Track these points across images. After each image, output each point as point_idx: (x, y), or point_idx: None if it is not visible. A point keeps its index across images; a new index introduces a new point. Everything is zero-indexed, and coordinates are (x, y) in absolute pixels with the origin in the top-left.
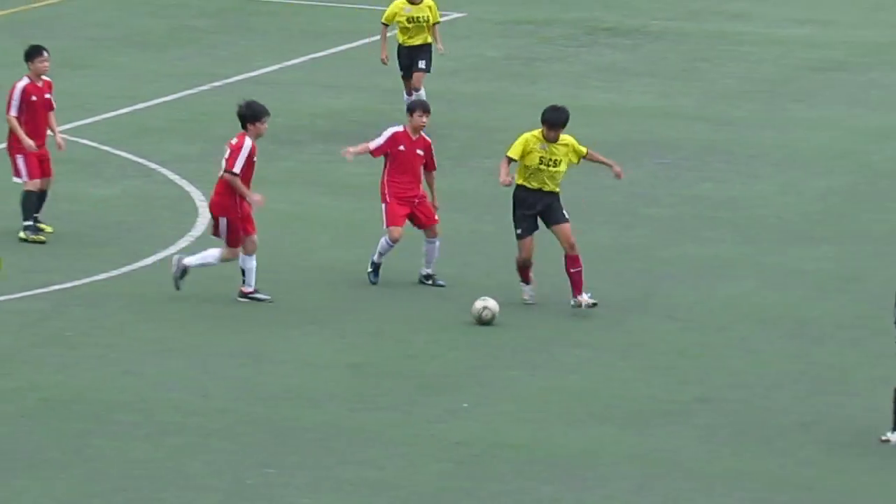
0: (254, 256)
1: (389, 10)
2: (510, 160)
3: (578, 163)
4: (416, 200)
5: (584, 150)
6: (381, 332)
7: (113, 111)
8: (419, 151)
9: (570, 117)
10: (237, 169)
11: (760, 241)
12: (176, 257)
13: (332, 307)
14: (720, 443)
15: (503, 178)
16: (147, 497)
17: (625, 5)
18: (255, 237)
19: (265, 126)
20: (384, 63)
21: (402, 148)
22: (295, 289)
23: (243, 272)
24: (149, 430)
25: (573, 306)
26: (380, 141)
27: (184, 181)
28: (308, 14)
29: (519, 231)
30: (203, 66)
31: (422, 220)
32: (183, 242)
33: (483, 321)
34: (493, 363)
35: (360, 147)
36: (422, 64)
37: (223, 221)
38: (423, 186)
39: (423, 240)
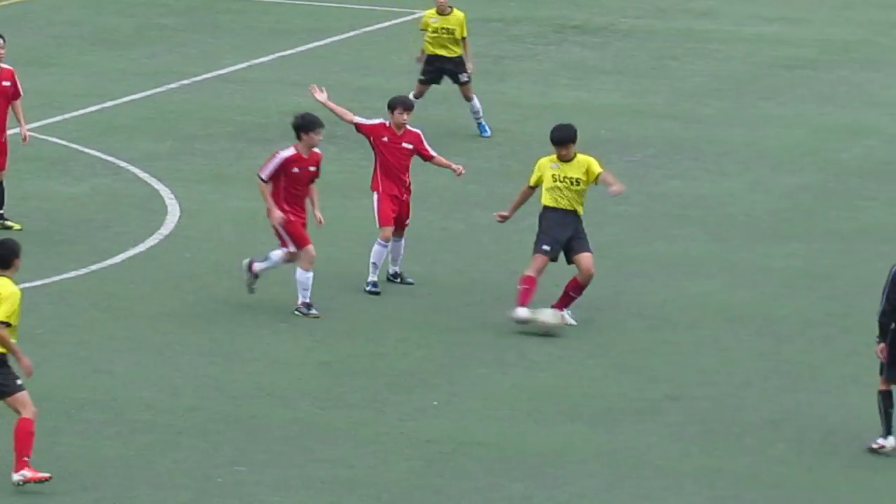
0: (279, 263)
1: (423, 19)
2: (530, 188)
3: (597, 183)
4: (403, 198)
5: (596, 171)
6: (351, 330)
7: (81, 109)
8: (406, 145)
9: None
10: (264, 174)
11: (729, 239)
12: (294, 304)
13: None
14: (690, 441)
15: (499, 212)
16: (117, 495)
17: (593, 3)
18: (291, 250)
19: (318, 137)
20: (417, 61)
21: (385, 139)
22: (265, 287)
23: (266, 260)
24: (119, 428)
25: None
26: (366, 120)
27: (153, 179)
28: (276, 12)
29: (546, 248)
30: (171, 64)
31: (399, 219)
32: (152, 241)
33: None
34: (463, 361)
35: (345, 111)
36: (463, 77)
37: (278, 229)
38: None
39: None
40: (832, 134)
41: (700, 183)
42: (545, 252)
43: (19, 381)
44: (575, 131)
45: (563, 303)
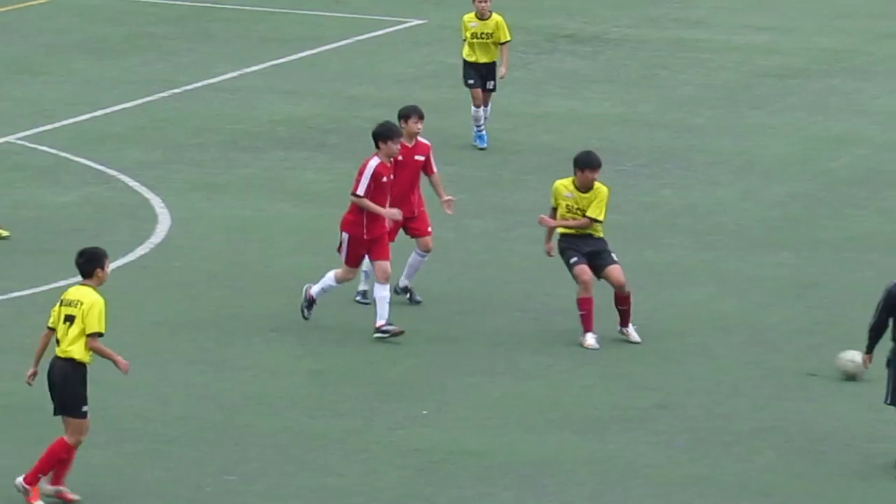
0: (386, 286)
1: (463, 24)
2: (554, 210)
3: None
4: (413, 216)
5: (597, 214)
6: (341, 339)
7: (72, 118)
8: (418, 157)
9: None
10: (360, 191)
11: (719, 248)
12: (305, 286)
13: (293, 314)
14: (679, 449)
15: (545, 245)
16: None
17: (585, 12)
18: (387, 265)
19: (396, 146)
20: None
21: (399, 158)
22: (256, 296)
23: (376, 303)
24: (108, 436)
25: (619, 332)
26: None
27: (143, 188)
28: (268, 21)
29: (574, 259)
30: (163, 73)
31: (414, 231)
32: (142, 250)
33: (849, 375)
34: (453, 370)
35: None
36: (490, 85)
37: (344, 237)
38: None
39: (414, 250)
40: (822, 143)
41: (691, 192)
42: (579, 262)
43: (85, 409)
44: (589, 159)
45: (624, 320)
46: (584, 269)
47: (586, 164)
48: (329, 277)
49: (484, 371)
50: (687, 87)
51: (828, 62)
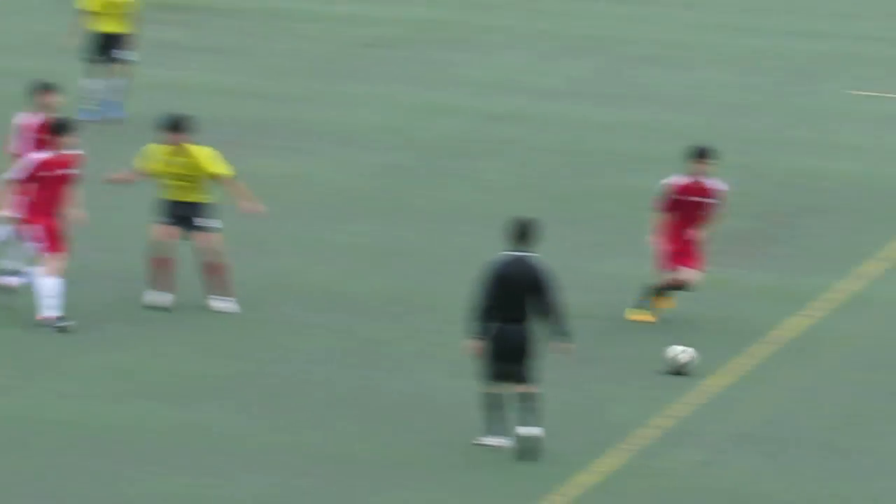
0: (53, 279)
1: None
2: (139, 173)
3: (219, 179)
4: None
5: (210, 171)
6: None
7: None
8: None
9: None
10: (14, 176)
11: (311, 217)
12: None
13: None
14: (260, 416)
15: (111, 175)
16: None
17: None
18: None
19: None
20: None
21: None
22: None
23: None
24: None
25: (208, 301)
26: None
27: None
28: None
29: (157, 220)
30: None
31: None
32: None
33: (679, 368)
34: (39, 340)
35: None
36: (120, 55)
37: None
38: None
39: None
40: (418, 113)
41: (283, 161)
42: (159, 222)
43: None
44: (175, 121)
45: (215, 290)
46: (159, 230)
47: (169, 127)
48: (43, 284)
49: (70, 340)
50: (282, 58)
51: (421, 32)
